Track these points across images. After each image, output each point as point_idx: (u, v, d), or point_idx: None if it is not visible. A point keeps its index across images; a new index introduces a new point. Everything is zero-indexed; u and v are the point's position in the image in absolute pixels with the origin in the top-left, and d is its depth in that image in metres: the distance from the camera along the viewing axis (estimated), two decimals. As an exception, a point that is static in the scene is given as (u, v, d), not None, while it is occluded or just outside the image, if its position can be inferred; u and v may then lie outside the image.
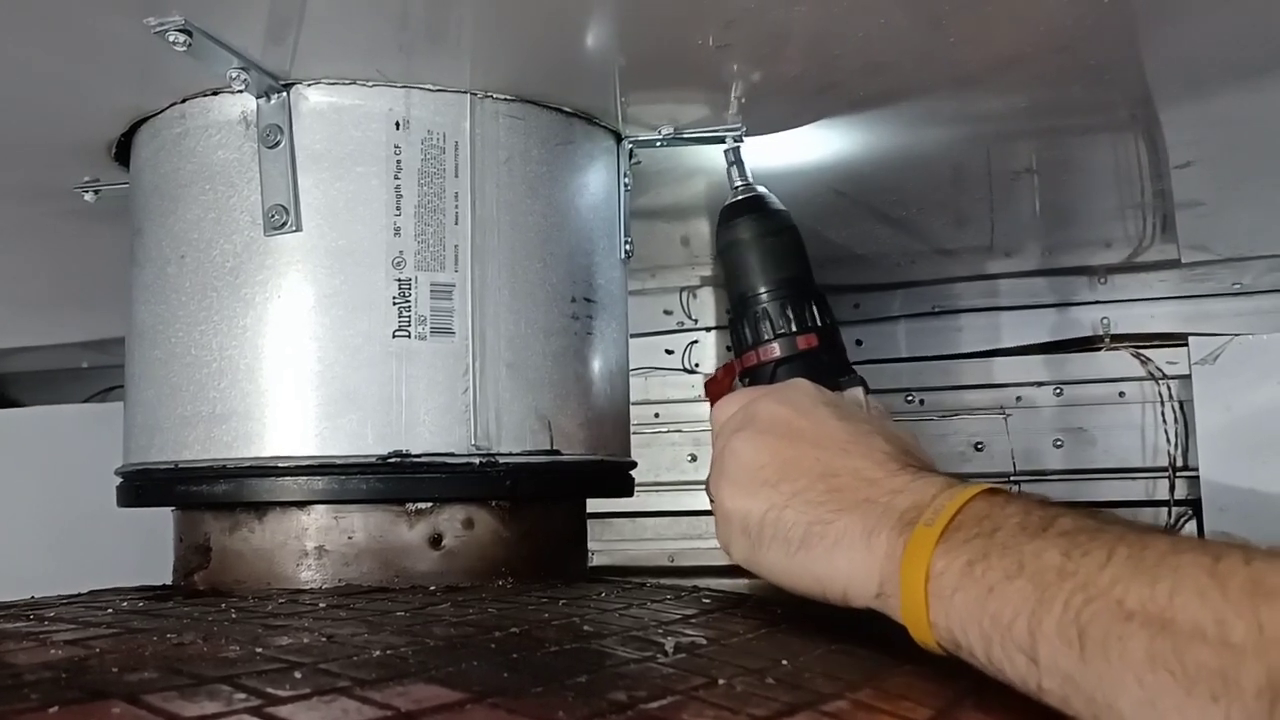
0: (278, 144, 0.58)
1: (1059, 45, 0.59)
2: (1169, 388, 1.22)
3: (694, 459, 1.26)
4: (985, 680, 0.42)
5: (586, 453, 0.62)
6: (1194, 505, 1.19)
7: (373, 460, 0.56)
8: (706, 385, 0.68)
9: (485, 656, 0.39)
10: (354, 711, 0.31)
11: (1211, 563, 0.37)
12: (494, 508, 0.59)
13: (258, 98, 0.58)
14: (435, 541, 0.58)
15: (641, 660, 0.42)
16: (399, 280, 0.57)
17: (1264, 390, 1.17)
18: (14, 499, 1.50)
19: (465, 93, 0.59)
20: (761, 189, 0.65)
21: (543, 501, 0.61)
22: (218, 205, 0.59)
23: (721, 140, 0.66)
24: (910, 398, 1.29)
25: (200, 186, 0.60)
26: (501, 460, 0.58)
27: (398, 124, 0.58)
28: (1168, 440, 1.22)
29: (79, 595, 0.60)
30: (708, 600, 0.59)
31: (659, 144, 0.68)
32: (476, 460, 0.57)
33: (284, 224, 0.57)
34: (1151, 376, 1.23)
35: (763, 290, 0.61)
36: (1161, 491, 1.22)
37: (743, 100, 0.63)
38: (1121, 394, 1.24)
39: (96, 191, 0.74)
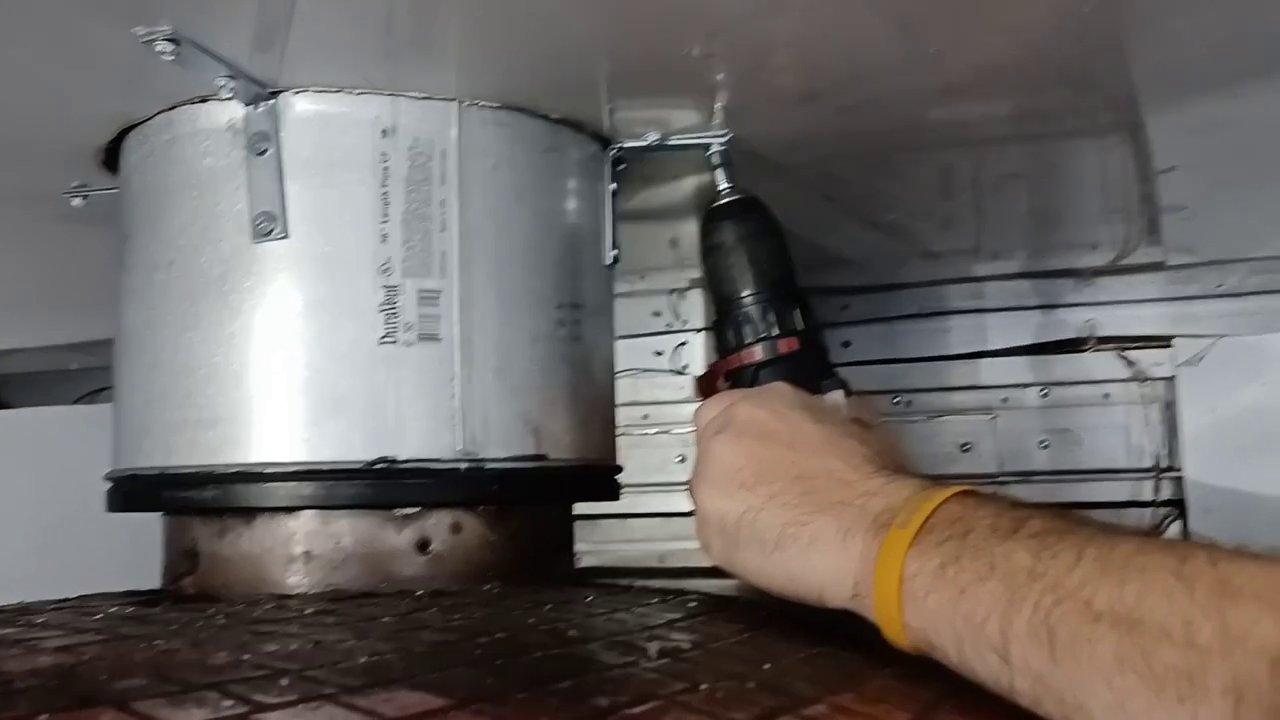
0: (265, 151, 0.58)
1: (1041, 54, 0.60)
2: (1154, 389, 1.23)
3: (683, 460, 1.27)
4: (963, 683, 0.43)
5: (573, 457, 0.63)
6: (1178, 506, 1.20)
7: (360, 466, 0.56)
8: (697, 384, 0.68)
9: (470, 662, 0.40)
10: (340, 719, 0.32)
11: (1178, 564, 0.38)
12: (481, 512, 0.59)
13: (245, 105, 0.58)
14: (423, 546, 0.58)
15: (625, 665, 0.42)
16: (386, 287, 0.58)
17: (1248, 392, 1.18)
18: (2, 500, 1.50)
19: (452, 100, 0.60)
20: (747, 192, 0.66)
21: (530, 506, 0.61)
22: (205, 212, 0.59)
23: (708, 147, 0.67)
24: (898, 399, 1.30)
25: (188, 193, 0.60)
26: (488, 465, 0.59)
27: (385, 131, 0.59)
28: (1152, 441, 1.23)
29: (68, 600, 0.61)
30: (693, 604, 0.59)
31: (645, 150, 0.68)
32: (463, 465, 0.58)
33: (271, 231, 0.58)
34: (1136, 378, 1.24)
35: (746, 293, 0.62)
36: (1146, 493, 1.23)
37: (728, 107, 0.64)
38: (1107, 395, 1.25)
39: (85, 196, 0.75)
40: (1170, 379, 1.20)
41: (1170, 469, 1.20)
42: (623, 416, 1.36)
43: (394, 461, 0.57)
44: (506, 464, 0.59)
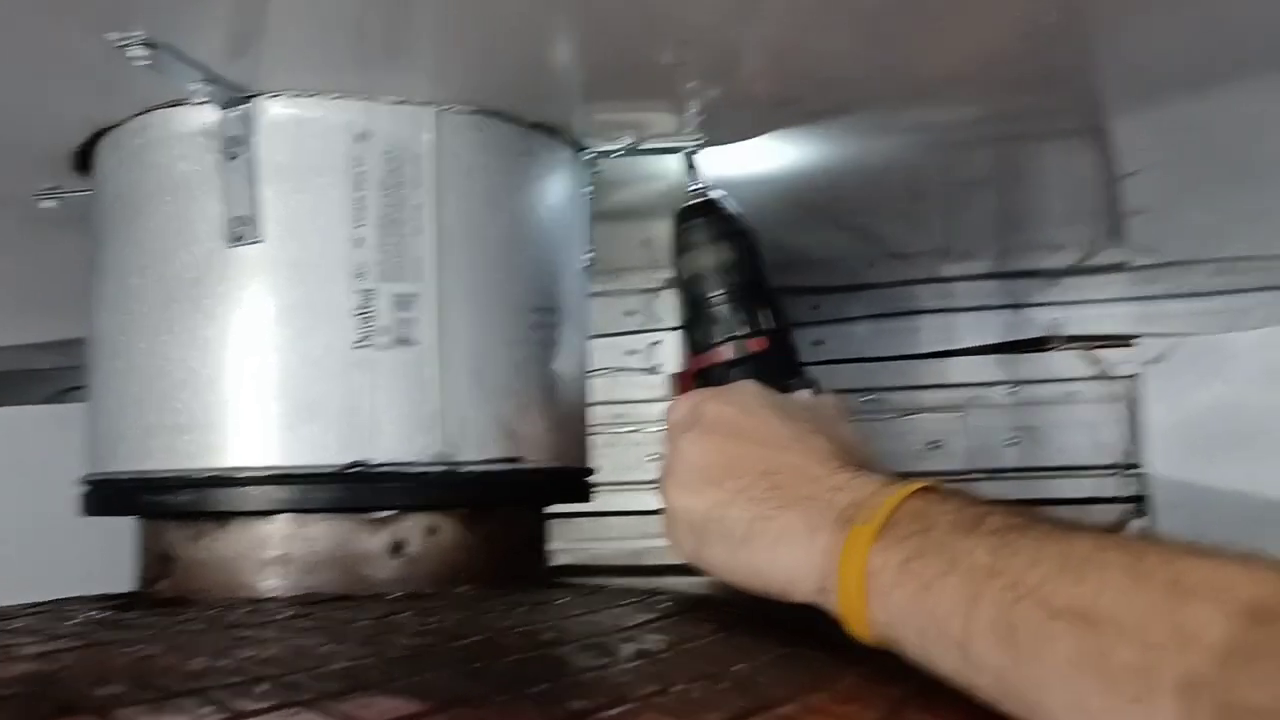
0: (239, 156, 0.58)
1: (1008, 60, 0.61)
2: (1119, 387, 1.25)
3: (657, 459, 1.27)
4: (930, 682, 0.43)
5: (547, 459, 0.63)
6: (1141, 502, 1.22)
7: (334, 470, 0.57)
8: (672, 382, 0.69)
9: (447, 666, 0.40)
10: (317, 723, 0.32)
11: (1134, 562, 0.38)
12: (456, 515, 0.60)
13: (219, 110, 0.58)
14: (398, 549, 0.59)
15: (600, 667, 0.43)
16: (361, 291, 0.58)
17: (1211, 390, 1.20)
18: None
19: (427, 105, 0.60)
20: (718, 193, 0.66)
21: (505, 508, 0.62)
22: (179, 216, 0.59)
23: (681, 150, 0.67)
24: (869, 397, 1.31)
25: (162, 198, 0.60)
26: (464, 468, 0.59)
27: (359, 136, 0.59)
28: (1117, 439, 1.25)
29: (43, 604, 0.61)
30: (666, 604, 0.60)
31: (618, 154, 0.69)
32: (439, 468, 0.58)
33: (245, 235, 0.58)
34: (1102, 376, 1.26)
35: (716, 293, 0.62)
36: (1110, 489, 1.24)
37: (700, 113, 0.64)
38: (1073, 393, 1.27)
39: (57, 199, 0.74)
40: (1135, 377, 1.22)
41: (1134, 466, 1.22)
42: (597, 415, 1.37)
43: (369, 465, 0.57)
44: (482, 467, 0.60)
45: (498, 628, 0.49)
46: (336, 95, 0.59)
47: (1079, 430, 1.25)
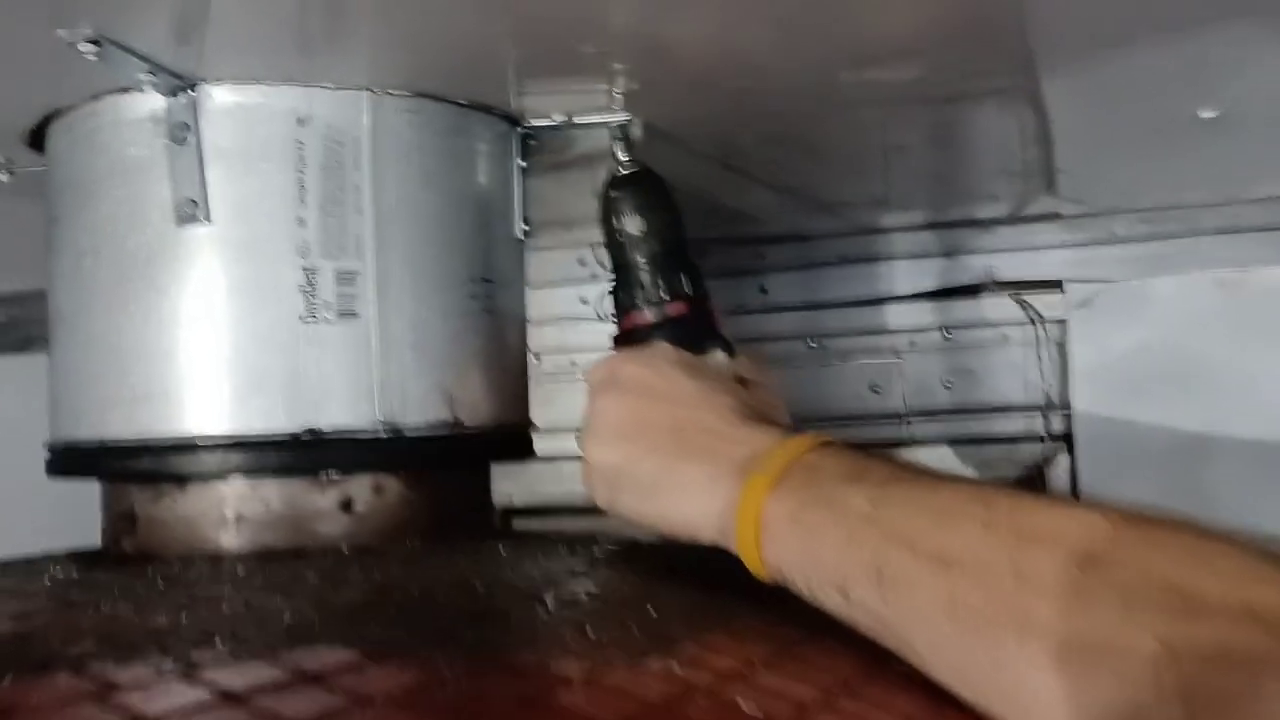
0: (186, 140, 0.61)
1: (942, 22, 0.62)
2: (1048, 331, 1.31)
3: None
4: (824, 621, 0.49)
5: (487, 422, 0.68)
6: (1067, 440, 1.29)
7: (285, 436, 0.61)
8: (614, 342, 0.73)
9: (385, 619, 0.45)
10: (265, 672, 0.37)
11: (985, 512, 0.44)
12: (401, 475, 0.65)
13: (166, 97, 0.62)
14: (346, 506, 0.63)
15: (526, 616, 0.48)
16: (305, 268, 0.62)
17: (1133, 333, 1.26)
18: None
19: (364, 90, 0.64)
20: (644, 165, 0.70)
21: (446, 468, 0.67)
22: (131, 199, 0.63)
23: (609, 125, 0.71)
24: (811, 343, 1.36)
25: (114, 181, 0.63)
26: (407, 432, 0.64)
27: (300, 120, 0.62)
28: (1046, 380, 1.31)
29: (12, 562, 0.65)
30: (598, 553, 0.65)
31: (552, 130, 0.72)
32: (383, 433, 0.63)
33: (194, 216, 0.61)
34: (1032, 321, 1.31)
35: (639, 260, 0.66)
36: (1040, 427, 1.31)
37: (627, 93, 0.68)
38: (1005, 337, 1.32)
39: (10, 172, 0.77)
40: (1063, 321, 1.28)
41: (1061, 405, 1.29)
42: (549, 363, 1.41)
43: (318, 431, 0.61)
44: (424, 431, 0.64)
45: (437, 580, 0.54)
46: (277, 82, 0.62)
47: (1010, 372, 1.31)
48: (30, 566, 0.62)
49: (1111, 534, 0.41)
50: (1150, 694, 0.38)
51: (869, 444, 1.32)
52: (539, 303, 1.37)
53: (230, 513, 0.62)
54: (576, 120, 0.72)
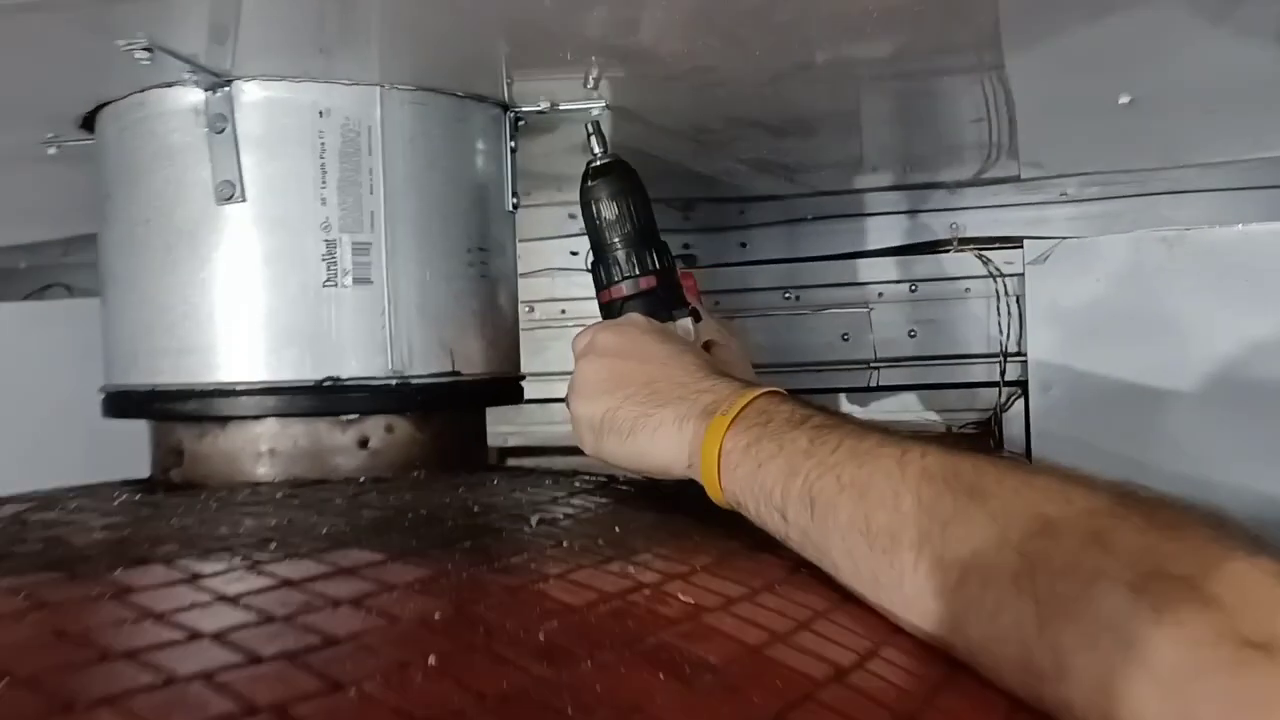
0: (223, 130, 0.72)
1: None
2: (1006, 284, 1.42)
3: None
4: (762, 538, 0.60)
5: (482, 371, 0.79)
6: (1023, 385, 1.40)
7: (311, 384, 0.73)
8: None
9: (401, 531, 0.57)
10: (312, 567, 0.49)
11: (900, 454, 0.54)
12: (409, 416, 0.76)
13: (206, 91, 0.72)
14: (363, 443, 0.75)
15: (513, 531, 0.60)
16: (326, 240, 0.73)
17: (1084, 286, 1.36)
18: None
19: (375, 86, 0.74)
20: (615, 156, 0.80)
21: (447, 411, 0.78)
22: (176, 180, 0.74)
23: (589, 112, 0.82)
24: (787, 294, 1.47)
25: (161, 163, 0.74)
26: (414, 381, 0.75)
27: (321, 113, 0.73)
28: (1004, 330, 1.42)
29: (76, 489, 0.76)
30: (578, 484, 0.77)
31: (539, 114, 0.83)
32: (394, 382, 0.74)
33: (231, 196, 0.72)
34: (992, 275, 1.42)
35: (615, 240, 0.78)
36: (998, 374, 1.42)
37: (603, 85, 0.78)
38: (967, 290, 1.43)
39: (59, 146, 0.88)
40: (1020, 275, 1.39)
41: (1018, 354, 1.40)
42: (542, 311, 1.53)
43: (338, 380, 0.73)
44: (428, 379, 0.76)
45: (440, 503, 0.65)
46: (301, 79, 0.73)
47: (971, 323, 1.42)
48: (95, 491, 0.74)
49: (995, 474, 0.51)
50: (1010, 596, 0.47)
51: (840, 389, 1.44)
52: (532, 256, 1.48)
53: (264, 448, 0.74)
54: (560, 107, 0.83)
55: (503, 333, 0.82)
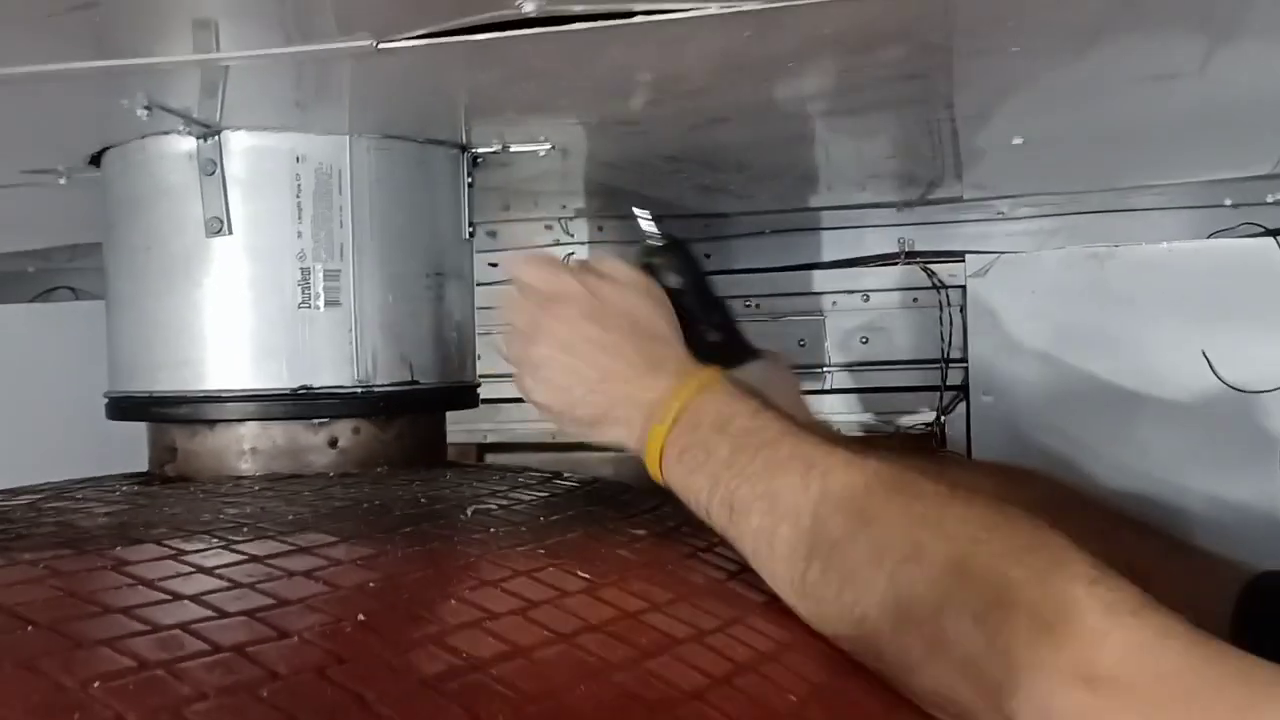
0: (213, 172, 0.84)
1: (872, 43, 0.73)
2: (950, 296, 1.53)
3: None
4: (667, 530, 0.71)
5: (438, 381, 0.91)
6: (964, 389, 1.51)
7: (288, 391, 0.85)
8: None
9: (355, 519, 0.69)
10: (276, 546, 0.61)
11: (805, 469, 0.60)
12: (374, 420, 0.88)
13: (198, 139, 0.84)
14: (333, 443, 0.87)
15: (449, 518, 0.72)
16: (301, 268, 0.85)
17: (1021, 298, 1.48)
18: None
19: (345, 135, 0.86)
20: (669, 236, 0.86)
21: (407, 416, 0.90)
22: (172, 214, 0.86)
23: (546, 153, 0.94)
24: (748, 303, 1.58)
25: (158, 199, 0.86)
26: (377, 389, 0.87)
27: (298, 159, 0.85)
28: (944, 339, 1.53)
29: (86, 480, 0.89)
30: (520, 480, 0.89)
31: (493, 154, 0.95)
32: (359, 390, 0.86)
33: (219, 229, 0.84)
34: (936, 287, 1.53)
35: (680, 306, 0.79)
36: (939, 379, 1.54)
37: (546, 128, 0.90)
38: (915, 300, 1.54)
39: (68, 177, 1.00)
40: (963, 287, 1.50)
41: (960, 360, 1.51)
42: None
43: (311, 388, 0.85)
44: (390, 388, 0.88)
45: (394, 495, 0.77)
46: (280, 129, 0.85)
47: (918, 331, 1.54)
48: (100, 482, 0.86)
49: (883, 497, 0.58)
50: (875, 609, 0.55)
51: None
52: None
53: (247, 446, 0.86)
54: (510, 149, 0.94)
55: (457, 346, 0.94)
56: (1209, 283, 1.40)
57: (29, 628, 0.47)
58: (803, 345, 1.57)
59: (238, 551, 0.59)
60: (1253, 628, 0.67)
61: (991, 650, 0.51)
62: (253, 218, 0.85)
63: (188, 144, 0.85)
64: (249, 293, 0.85)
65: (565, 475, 0.94)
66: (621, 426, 0.71)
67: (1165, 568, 0.70)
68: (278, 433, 0.86)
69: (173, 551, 0.59)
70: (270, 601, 0.52)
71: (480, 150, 0.95)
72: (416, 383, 0.89)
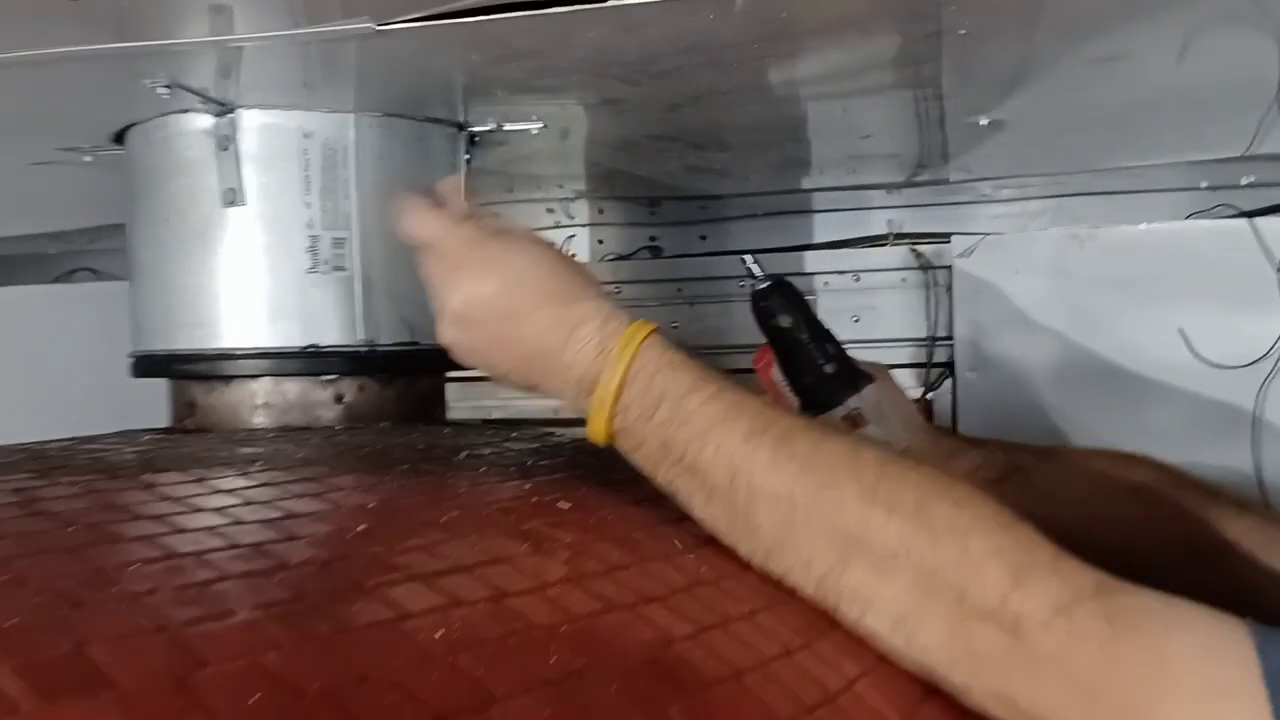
0: (228, 148, 0.92)
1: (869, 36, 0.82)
2: (937, 276, 1.59)
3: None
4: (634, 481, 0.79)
5: (437, 343, 0.99)
6: (950, 366, 1.58)
7: (298, 350, 0.93)
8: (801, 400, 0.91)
9: (357, 460, 0.77)
10: (286, 475, 0.68)
11: (730, 473, 0.62)
12: (377, 378, 0.96)
13: (214, 117, 0.92)
14: (339, 399, 0.95)
15: (442, 461, 0.80)
16: (310, 236, 0.93)
17: (1005, 278, 1.54)
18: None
19: (350, 113, 0.94)
20: (774, 277, 0.92)
21: (407, 374, 0.98)
22: (190, 187, 0.94)
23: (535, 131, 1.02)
24: (742, 283, 1.63)
25: (178, 173, 0.94)
26: (380, 349, 0.95)
27: (306, 135, 0.93)
28: (934, 317, 1.60)
29: (115, 433, 0.97)
30: (514, 434, 0.97)
31: (488, 133, 1.03)
32: (364, 349, 0.94)
33: (234, 200, 0.92)
34: (923, 268, 1.60)
35: (794, 341, 0.90)
36: (926, 356, 1.60)
37: (538, 109, 0.98)
38: (904, 280, 1.61)
39: (93, 156, 1.08)
40: (949, 268, 1.57)
41: (946, 338, 1.58)
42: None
43: (319, 347, 0.93)
44: (392, 348, 0.96)
45: (394, 443, 0.85)
46: (290, 108, 0.93)
47: (907, 310, 1.60)
48: (126, 434, 0.95)
49: (805, 510, 0.60)
50: (810, 587, 0.60)
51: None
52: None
53: (260, 401, 0.94)
54: (505, 127, 1.02)
55: (456, 312, 1.02)
56: (1185, 262, 1.46)
57: (71, 528, 0.55)
58: (795, 324, 1.63)
59: (252, 478, 0.67)
60: None
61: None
62: (265, 189, 0.93)
63: (205, 121, 0.93)
64: (262, 259, 0.93)
65: (557, 433, 1.01)
66: (558, 396, 0.70)
67: (1263, 543, 0.72)
68: (289, 388, 0.94)
69: (195, 477, 0.67)
70: (281, 514, 0.60)
71: (476, 129, 1.03)
72: (416, 344, 0.97)
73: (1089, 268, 1.51)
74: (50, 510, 0.57)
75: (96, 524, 0.56)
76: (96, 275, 1.98)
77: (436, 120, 1.00)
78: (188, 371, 0.95)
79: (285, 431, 0.91)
